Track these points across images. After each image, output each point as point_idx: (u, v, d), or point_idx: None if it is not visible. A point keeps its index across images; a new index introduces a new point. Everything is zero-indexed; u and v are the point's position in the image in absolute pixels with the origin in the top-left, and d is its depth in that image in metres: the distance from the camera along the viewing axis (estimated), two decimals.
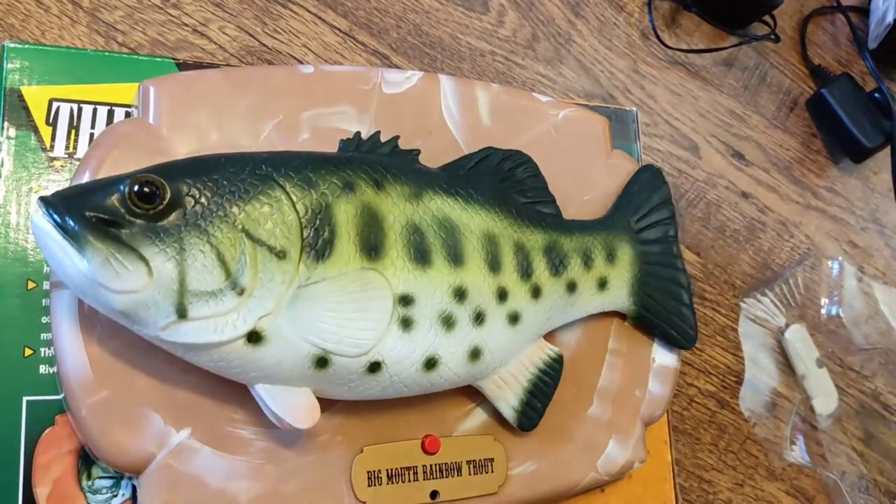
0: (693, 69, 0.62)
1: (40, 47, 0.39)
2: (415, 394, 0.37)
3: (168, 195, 0.31)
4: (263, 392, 0.34)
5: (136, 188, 0.31)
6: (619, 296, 0.42)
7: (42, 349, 0.36)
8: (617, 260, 0.42)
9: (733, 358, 0.57)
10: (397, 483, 0.37)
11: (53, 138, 0.38)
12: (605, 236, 0.42)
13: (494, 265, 0.37)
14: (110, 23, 0.48)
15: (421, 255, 0.35)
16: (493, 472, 0.39)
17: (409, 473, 0.38)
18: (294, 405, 0.34)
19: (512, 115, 0.44)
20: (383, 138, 0.38)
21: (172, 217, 0.31)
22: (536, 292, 0.39)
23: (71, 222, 0.30)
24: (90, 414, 0.34)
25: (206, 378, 0.35)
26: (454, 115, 0.42)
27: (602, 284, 0.41)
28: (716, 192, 0.60)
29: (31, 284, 0.36)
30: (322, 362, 0.33)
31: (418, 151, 0.38)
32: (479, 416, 0.40)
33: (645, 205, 0.44)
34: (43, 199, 0.31)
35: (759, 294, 0.58)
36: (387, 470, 0.37)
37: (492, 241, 0.38)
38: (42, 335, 0.36)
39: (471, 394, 0.39)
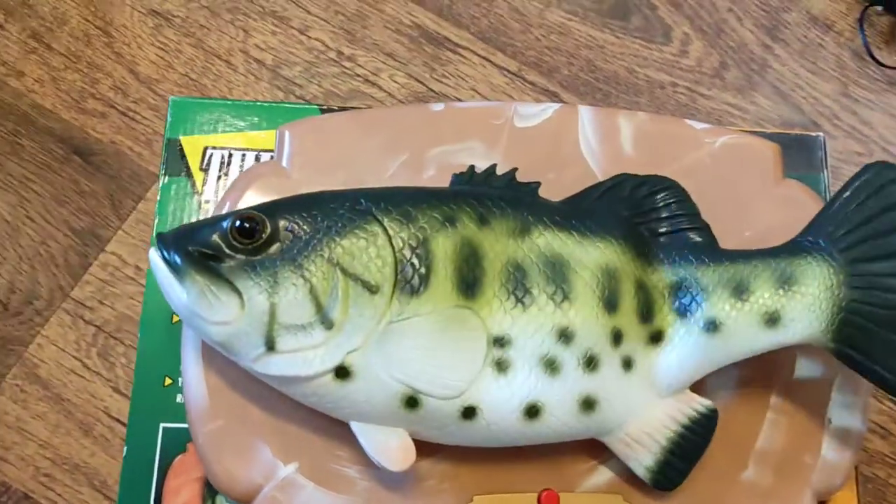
0: None
1: (199, 99, 0.42)
2: (524, 444, 0.35)
3: (267, 230, 0.32)
4: (357, 430, 0.33)
5: (237, 224, 0.32)
6: (808, 330, 0.35)
7: (180, 379, 0.38)
8: (798, 287, 0.35)
9: None
10: None
11: (205, 183, 0.41)
12: (776, 262, 0.35)
13: (610, 303, 0.34)
14: (289, 78, 0.51)
15: (521, 294, 0.33)
16: None
17: None
18: (387, 446, 0.33)
19: (658, 144, 0.40)
20: (513, 174, 0.37)
21: (270, 251, 0.32)
22: (657, 337, 0.35)
23: (175, 256, 0.32)
24: (206, 442, 0.35)
25: (316, 413, 0.35)
26: (592, 146, 0.40)
27: (771, 320, 0.35)
28: None
29: (175, 318, 0.39)
30: (413, 402, 0.32)
31: (538, 184, 0.36)
32: (606, 473, 0.36)
33: (860, 212, 0.35)
34: (158, 235, 0.33)
35: None
36: None
37: (610, 276, 0.34)
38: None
39: (598, 446, 0.36)
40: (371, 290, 0.32)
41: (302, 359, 0.32)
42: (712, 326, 0.35)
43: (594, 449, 0.36)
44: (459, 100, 0.51)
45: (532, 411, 0.33)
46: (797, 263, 0.35)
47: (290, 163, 0.38)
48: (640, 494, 0.36)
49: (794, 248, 0.36)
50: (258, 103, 0.42)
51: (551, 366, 0.33)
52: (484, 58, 0.53)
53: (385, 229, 0.33)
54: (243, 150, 0.41)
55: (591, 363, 0.34)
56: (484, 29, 0.53)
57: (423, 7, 0.53)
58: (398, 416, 0.33)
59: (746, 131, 0.43)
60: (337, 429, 0.35)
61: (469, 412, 0.33)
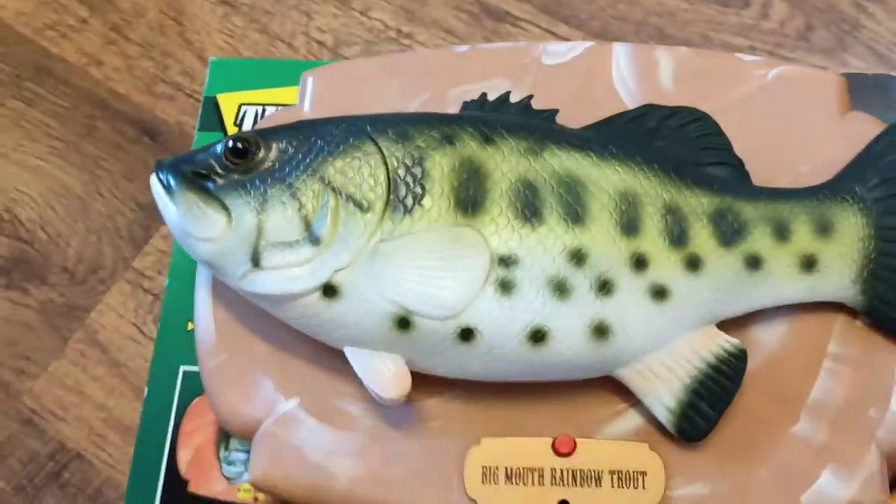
0: None
1: (238, 60, 0.43)
2: (530, 377, 0.32)
3: (261, 151, 0.32)
4: (350, 354, 0.32)
5: (230, 144, 0.32)
6: (837, 281, 0.33)
7: None
8: (834, 234, 0.33)
9: None
10: (517, 484, 0.32)
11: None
12: (815, 205, 0.33)
13: (630, 227, 0.31)
14: (349, 57, 0.51)
15: (530, 213, 0.31)
16: (644, 488, 0.32)
17: (532, 475, 0.32)
18: (380, 371, 0.31)
19: (702, 78, 0.37)
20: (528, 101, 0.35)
21: (262, 170, 0.32)
22: (694, 263, 0.32)
23: (169, 177, 0.32)
24: (209, 376, 0.35)
25: (322, 347, 0.34)
26: (627, 83, 0.37)
27: (808, 264, 0.32)
28: None
29: None
30: (404, 323, 0.31)
31: (555, 111, 0.34)
32: (632, 420, 0.33)
33: (891, 166, 0.34)
34: (157, 162, 0.33)
35: None
36: (506, 468, 0.32)
37: (629, 201, 0.32)
38: None
39: (624, 391, 0.33)
40: (361, 209, 0.31)
41: (288, 276, 0.31)
42: (754, 262, 0.32)
43: (619, 393, 0.33)
44: None
45: (537, 336, 0.31)
46: (835, 210, 0.33)
47: (312, 107, 0.38)
48: (668, 444, 0.32)
49: (832, 193, 0.33)
50: (294, 61, 0.43)
51: (561, 288, 0.31)
52: (546, 30, 0.51)
53: (379, 148, 0.32)
54: (277, 105, 0.42)
55: (605, 287, 0.31)
56: (547, 1, 0.52)
57: None
58: (390, 339, 0.31)
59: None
60: (342, 364, 0.34)
61: (467, 334, 0.31)
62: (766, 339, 0.34)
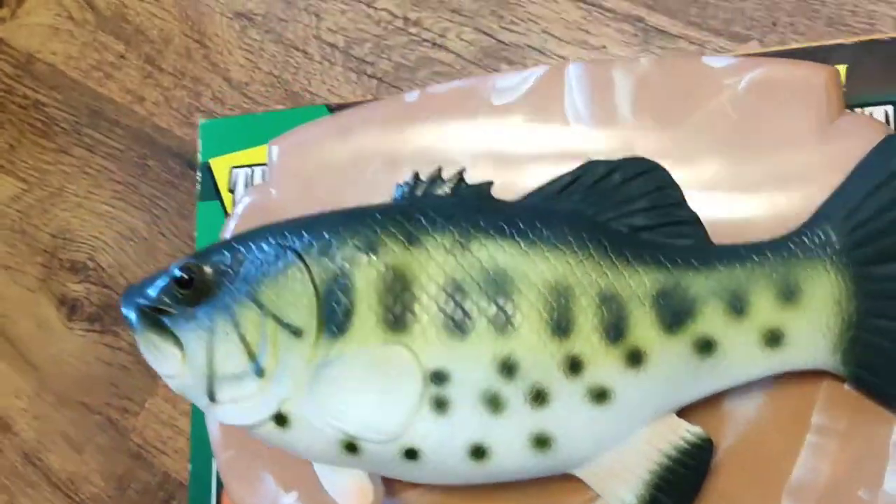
0: None
1: (225, 119, 0.43)
2: (483, 482, 0.32)
3: (204, 278, 0.32)
4: (318, 470, 0.33)
5: (176, 275, 0.33)
6: (811, 353, 0.28)
7: None
8: (801, 299, 0.28)
9: None
10: None
11: (234, 204, 0.42)
12: (777, 265, 0.28)
13: (562, 327, 0.29)
14: (360, 57, 0.50)
15: (458, 320, 0.30)
16: None
17: None
18: (343, 487, 0.32)
19: (663, 98, 0.32)
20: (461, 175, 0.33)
21: (207, 299, 0.32)
22: (636, 357, 0.29)
23: (131, 314, 0.33)
24: (223, 469, 0.37)
25: None
26: (581, 114, 0.33)
27: (772, 339, 0.28)
28: None
29: None
30: (352, 447, 0.31)
31: (489, 184, 0.32)
32: None
33: (877, 197, 0.28)
34: (122, 295, 0.35)
35: None
36: None
37: (560, 294, 0.29)
38: None
39: None
40: (296, 335, 0.31)
41: (240, 409, 0.32)
42: (706, 346, 0.29)
43: None
44: (532, 47, 0.46)
45: (478, 452, 0.30)
46: (801, 268, 0.28)
47: (278, 184, 0.38)
48: None
49: (799, 245, 0.28)
50: (273, 113, 0.42)
51: (494, 402, 0.30)
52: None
53: (307, 267, 0.31)
54: (264, 165, 0.41)
55: (539, 397, 0.29)
56: None
57: None
58: (344, 460, 0.32)
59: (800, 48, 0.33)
60: None
61: (412, 454, 0.31)
62: (741, 413, 0.30)
